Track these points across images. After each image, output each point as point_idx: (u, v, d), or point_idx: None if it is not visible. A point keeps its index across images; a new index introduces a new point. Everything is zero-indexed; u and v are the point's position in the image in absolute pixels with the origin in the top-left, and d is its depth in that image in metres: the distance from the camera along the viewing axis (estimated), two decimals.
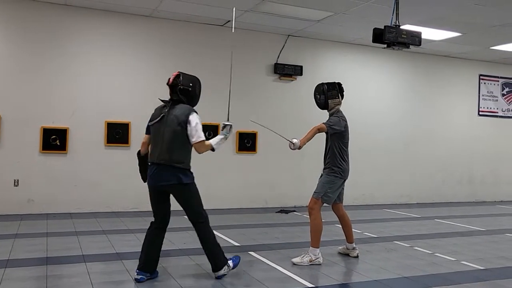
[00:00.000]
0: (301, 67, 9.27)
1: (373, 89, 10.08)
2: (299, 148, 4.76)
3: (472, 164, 11.12)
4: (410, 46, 6.45)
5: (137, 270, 4.14)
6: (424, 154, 10.55)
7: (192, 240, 5.91)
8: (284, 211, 8.58)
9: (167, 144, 4.07)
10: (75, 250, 5.23)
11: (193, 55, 8.49)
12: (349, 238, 5.30)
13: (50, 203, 7.59)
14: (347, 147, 5.11)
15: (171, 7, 7.69)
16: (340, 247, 5.46)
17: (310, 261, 4.87)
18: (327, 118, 5.08)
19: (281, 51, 9.15)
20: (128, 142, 8.06)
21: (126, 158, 7.69)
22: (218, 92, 8.02)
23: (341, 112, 5.14)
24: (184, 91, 4.18)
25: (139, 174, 4.33)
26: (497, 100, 11.42)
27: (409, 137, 10.39)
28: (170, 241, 5.78)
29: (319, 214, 4.96)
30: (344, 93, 5.24)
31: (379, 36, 6.39)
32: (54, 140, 7.65)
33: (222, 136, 4.30)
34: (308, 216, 5.04)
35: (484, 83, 11.27)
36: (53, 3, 7.62)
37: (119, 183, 7.94)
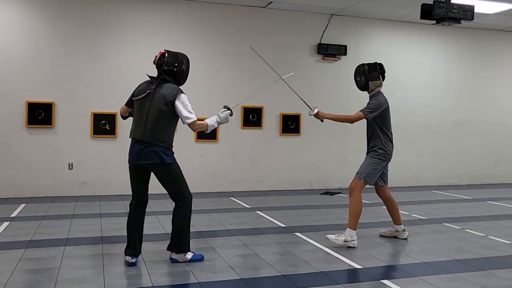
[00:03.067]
0: (345, 46, 9.07)
1: (420, 68, 9.74)
2: (318, 118, 4.98)
3: None
4: (462, 21, 6.18)
5: (129, 256, 4.13)
6: (475, 134, 10.14)
7: (239, 221, 6.03)
8: (329, 193, 8.54)
9: (152, 123, 4.00)
10: None
11: (236, 38, 8.48)
12: (396, 220, 5.20)
13: (102, 185, 7.91)
14: (390, 128, 5.00)
15: None
16: (384, 230, 5.37)
17: (345, 241, 4.78)
18: (368, 101, 4.96)
19: (324, 31, 8.99)
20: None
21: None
22: (260, 75, 7.98)
23: (382, 93, 5.00)
24: (169, 71, 4.11)
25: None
26: None
27: (460, 117, 9.99)
28: (218, 222, 5.92)
29: (360, 195, 4.89)
30: (385, 74, 5.09)
31: (427, 12, 6.16)
32: (104, 124, 7.93)
33: (217, 118, 4.23)
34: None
35: None
36: None
37: None
